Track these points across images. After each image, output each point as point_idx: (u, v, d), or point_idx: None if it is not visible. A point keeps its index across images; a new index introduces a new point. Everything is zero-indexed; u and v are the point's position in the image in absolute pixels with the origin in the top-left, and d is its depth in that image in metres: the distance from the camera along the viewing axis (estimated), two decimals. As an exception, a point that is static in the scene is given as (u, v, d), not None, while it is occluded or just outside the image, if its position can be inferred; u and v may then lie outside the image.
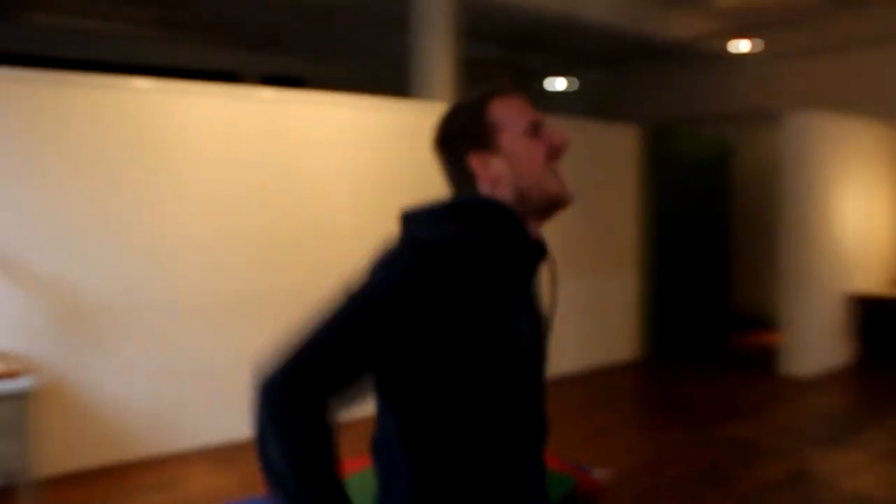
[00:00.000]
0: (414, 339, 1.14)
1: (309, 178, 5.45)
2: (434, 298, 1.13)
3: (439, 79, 6.71)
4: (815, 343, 6.98)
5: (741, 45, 8.57)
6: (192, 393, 4.97)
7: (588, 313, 7.37)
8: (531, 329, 1.32)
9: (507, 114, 1.30)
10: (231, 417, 4.94)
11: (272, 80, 8.67)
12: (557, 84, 10.56)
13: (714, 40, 8.94)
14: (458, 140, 1.31)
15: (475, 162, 1.29)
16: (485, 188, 1.29)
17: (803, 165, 6.83)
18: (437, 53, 6.72)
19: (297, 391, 1.07)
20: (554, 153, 1.32)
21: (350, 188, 5.67)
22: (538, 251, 1.33)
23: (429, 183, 6.11)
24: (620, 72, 10.92)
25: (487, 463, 1.21)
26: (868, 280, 7.66)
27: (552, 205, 1.32)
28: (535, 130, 1.31)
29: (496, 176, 1.29)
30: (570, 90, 11.01)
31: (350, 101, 5.71)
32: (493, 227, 1.26)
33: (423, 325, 1.13)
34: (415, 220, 1.30)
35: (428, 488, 1.20)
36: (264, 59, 9.62)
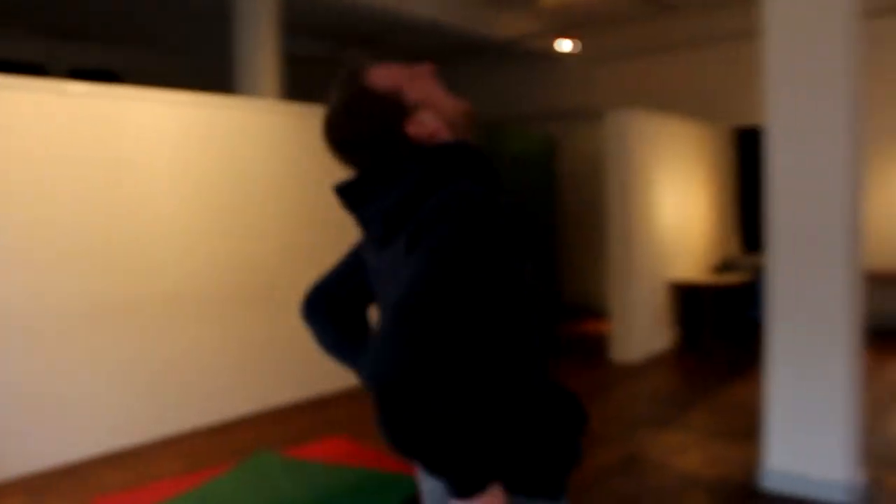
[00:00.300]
0: (490, 283, 1.21)
1: (125, 179, 5.06)
2: (498, 243, 1.20)
3: (264, 74, 6.46)
4: (640, 330, 7.31)
5: (565, 45, 8.86)
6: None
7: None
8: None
9: (391, 74, 1.40)
10: (43, 443, 4.50)
11: (83, 73, 8.05)
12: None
13: (539, 40, 9.19)
14: (383, 125, 1.35)
15: (412, 129, 1.35)
16: (433, 145, 1.35)
17: (624, 160, 7.12)
18: (261, 48, 6.46)
19: (425, 382, 1.10)
20: (435, 78, 1.43)
21: (171, 187, 5.32)
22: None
23: (253, 180, 5.89)
24: (449, 69, 11.00)
25: (527, 370, 1.33)
26: (687, 268, 8.12)
27: (470, 121, 1.43)
28: (413, 71, 1.41)
29: (433, 127, 1.36)
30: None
31: (169, 97, 5.36)
32: (482, 167, 1.35)
33: (496, 267, 1.21)
34: (415, 177, 1.30)
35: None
36: (74, 50, 8.91)
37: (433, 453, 1.13)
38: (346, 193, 1.39)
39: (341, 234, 6.45)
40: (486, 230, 1.18)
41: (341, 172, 6.65)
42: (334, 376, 6.43)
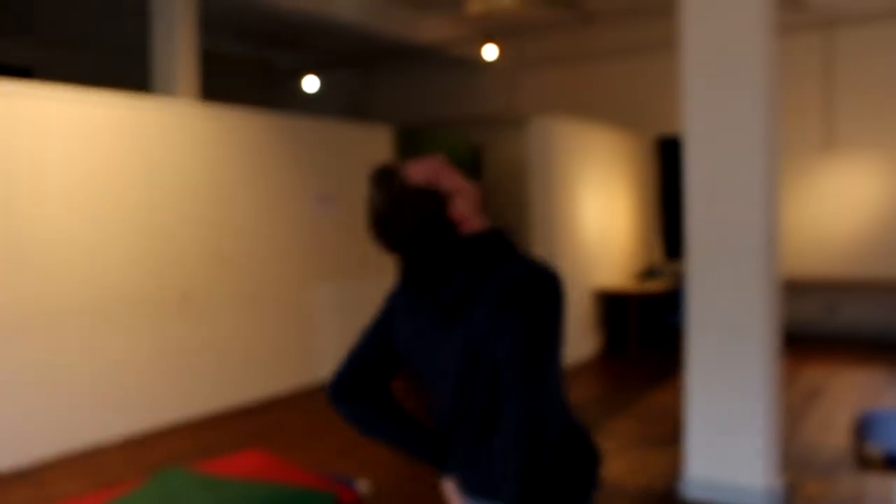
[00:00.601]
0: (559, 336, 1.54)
1: (36, 181, 4.78)
2: (562, 306, 1.54)
3: (181, 73, 6.22)
4: (567, 337, 7.30)
5: (489, 52, 8.84)
6: None
7: (348, 316, 7.20)
8: None
9: (424, 168, 1.61)
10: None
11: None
12: (309, 83, 10.30)
13: (464, 46, 9.15)
14: (431, 214, 1.57)
15: (453, 214, 1.59)
16: (467, 227, 1.60)
17: (548, 167, 7.13)
18: (178, 46, 6.22)
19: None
20: (451, 166, 1.66)
21: (85, 190, 5.06)
22: None
23: (166, 181, 5.66)
24: (373, 72, 10.90)
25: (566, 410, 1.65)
26: (611, 275, 8.19)
27: (483, 200, 1.67)
28: (437, 163, 1.63)
29: (466, 210, 1.61)
30: (322, 90, 10.80)
31: (81, 95, 5.10)
32: (512, 245, 1.63)
33: (561, 324, 1.54)
34: (483, 254, 1.58)
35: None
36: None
37: (538, 482, 1.43)
38: (416, 283, 1.61)
39: (256, 240, 6.28)
40: (559, 297, 1.52)
41: (261, 178, 6.53)
42: (252, 385, 6.24)
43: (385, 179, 1.59)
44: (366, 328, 1.78)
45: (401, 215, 1.56)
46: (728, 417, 3.90)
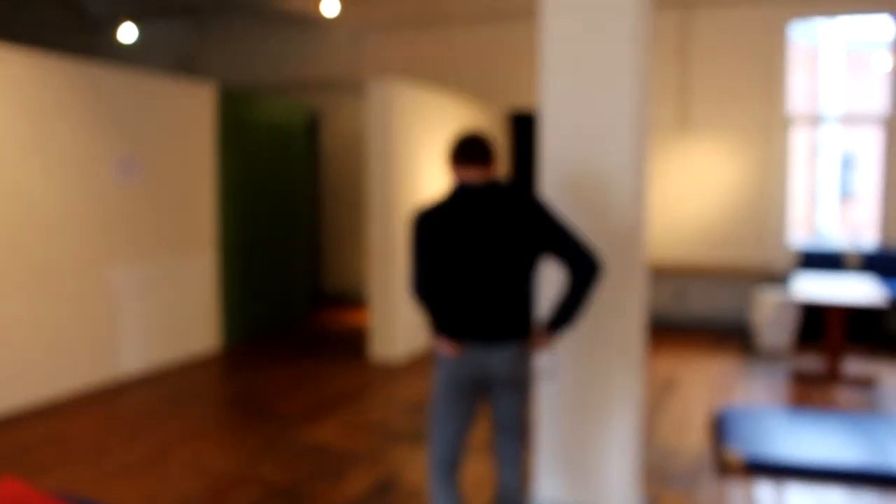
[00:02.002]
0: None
1: None
2: None
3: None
4: (403, 324, 6.64)
5: (330, 9, 7.98)
6: None
7: (156, 301, 6.21)
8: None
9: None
10: None
11: None
12: (125, 33, 9.06)
13: (301, 1, 8.27)
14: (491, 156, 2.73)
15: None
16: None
17: (388, 136, 6.41)
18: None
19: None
20: None
21: None
22: None
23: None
24: (203, 26, 9.77)
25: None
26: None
27: None
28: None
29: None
30: (147, 43, 9.56)
31: None
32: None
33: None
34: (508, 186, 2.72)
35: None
36: None
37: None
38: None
39: (45, 212, 5.21)
40: (413, 229, 2.75)
41: (52, 138, 5.32)
42: (35, 384, 5.16)
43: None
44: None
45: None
46: (585, 425, 3.34)
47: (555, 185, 3.29)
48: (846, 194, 14.32)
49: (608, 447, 3.32)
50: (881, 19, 7.67)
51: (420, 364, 6.41)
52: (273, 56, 9.40)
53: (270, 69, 9.36)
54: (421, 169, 6.87)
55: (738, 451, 4.18)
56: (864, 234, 12.09)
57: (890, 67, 7.61)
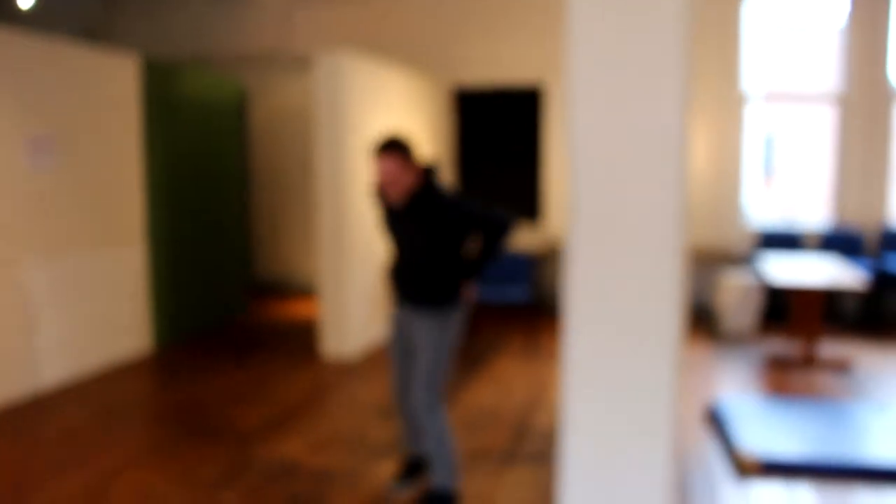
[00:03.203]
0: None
1: None
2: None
3: None
4: (356, 317, 6.12)
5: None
6: None
7: (78, 302, 5.49)
8: (389, 225, 3.40)
9: (373, 165, 3.27)
10: None
11: None
12: None
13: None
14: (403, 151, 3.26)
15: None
16: None
17: (338, 114, 5.84)
18: None
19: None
20: (383, 184, 3.28)
21: None
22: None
23: None
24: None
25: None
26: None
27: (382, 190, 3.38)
28: (376, 175, 3.27)
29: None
30: (51, 9, 8.59)
31: None
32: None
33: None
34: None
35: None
36: None
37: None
38: None
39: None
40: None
41: None
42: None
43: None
44: None
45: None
46: (619, 436, 2.93)
47: (588, 159, 2.84)
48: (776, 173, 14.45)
49: (646, 454, 2.92)
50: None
51: (376, 360, 5.90)
52: (193, 27, 8.63)
53: (190, 41, 8.58)
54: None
55: (753, 453, 3.87)
56: (799, 212, 12.18)
57: (842, 46, 7.49)
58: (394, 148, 3.16)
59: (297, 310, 7.78)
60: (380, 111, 6.44)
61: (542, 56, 7.82)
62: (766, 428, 4.26)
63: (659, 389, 2.90)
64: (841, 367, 5.79)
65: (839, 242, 7.34)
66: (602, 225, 2.87)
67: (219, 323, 7.11)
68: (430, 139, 7.66)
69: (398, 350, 3.45)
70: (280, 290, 8.72)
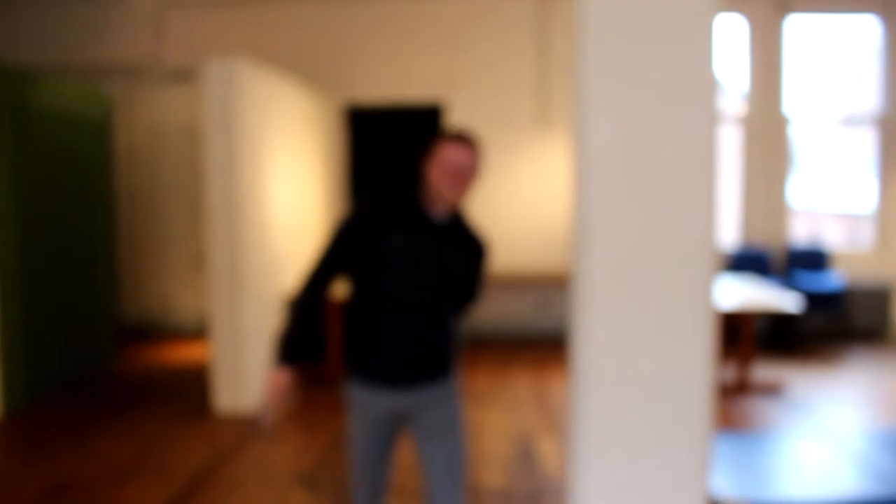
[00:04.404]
0: (344, 245, 2.42)
1: None
2: (349, 224, 2.43)
3: None
4: (255, 364, 5.32)
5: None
6: None
7: None
8: (411, 248, 2.39)
9: (445, 152, 2.40)
10: None
11: None
12: None
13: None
14: (426, 153, 2.46)
15: (424, 163, 2.45)
16: (425, 181, 2.45)
17: (233, 130, 5.08)
18: None
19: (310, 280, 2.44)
20: (451, 182, 2.39)
21: None
22: (444, 221, 2.46)
23: None
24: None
25: (363, 313, 2.42)
26: (298, 277, 6.32)
27: (440, 196, 2.39)
28: (449, 166, 2.38)
29: (425, 175, 2.44)
30: None
31: None
32: (397, 195, 2.47)
33: (346, 237, 2.41)
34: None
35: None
36: None
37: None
38: None
39: None
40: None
41: None
42: None
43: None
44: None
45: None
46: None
47: (607, 179, 2.31)
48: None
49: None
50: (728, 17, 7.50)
51: (283, 413, 5.12)
52: (51, 31, 7.54)
53: (48, 46, 7.48)
54: (268, 177, 5.59)
55: (742, 500, 3.45)
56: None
57: (746, 70, 7.46)
58: (475, 142, 2.47)
59: (179, 356, 6.82)
60: (275, 126, 5.71)
61: (442, 73, 7.35)
62: (736, 468, 3.88)
63: (696, 459, 2.41)
64: (774, 391, 5.58)
65: (747, 262, 7.24)
66: (628, 274, 2.36)
67: (85, 377, 6.05)
68: (320, 159, 6.96)
69: (376, 452, 2.49)
70: (157, 334, 7.69)
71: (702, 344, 2.38)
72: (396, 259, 2.36)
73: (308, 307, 2.39)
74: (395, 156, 7.53)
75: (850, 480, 3.80)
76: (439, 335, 2.43)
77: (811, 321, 7.27)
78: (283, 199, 5.89)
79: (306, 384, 5.84)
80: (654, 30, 2.30)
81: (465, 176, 2.38)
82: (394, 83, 7.39)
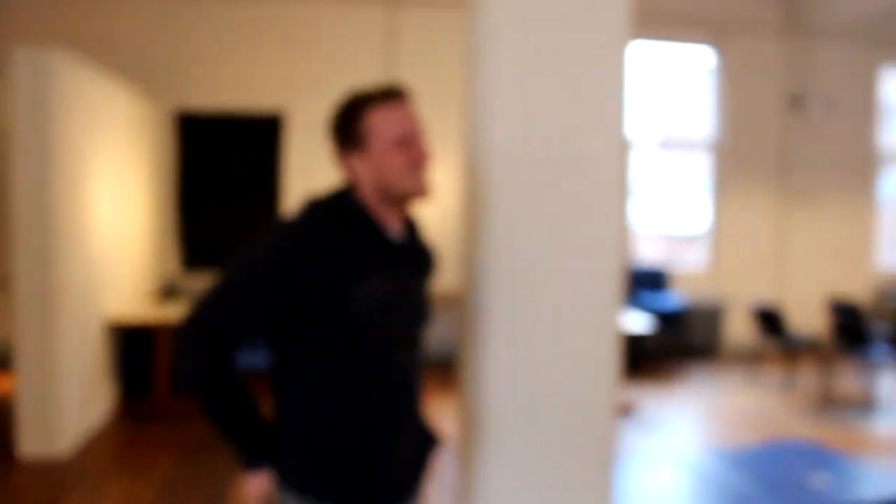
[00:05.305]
0: (281, 294, 1.52)
1: None
2: (291, 265, 1.51)
3: None
4: (69, 399, 4.62)
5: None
6: None
7: None
8: (391, 291, 1.61)
9: (381, 124, 1.59)
10: None
11: None
12: None
13: None
14: (341, 140, 1.64)
15: (352, 163, 1.63)
16: (358, 186, 1.64)
17: (46, 130, 4.41)
18: None
19: (209, 336, 1.52)
20: (416, 163, 1.62)
21: None
22: (403, 238, 1.70)
23: None
24: None
25: (335, 396, 1.58)
26: (124, 298, 5.64)
27: (408, 197, 1.64)
28: (402, 142, 1.60)
29: (365, 178, 1.62)
30: None
31: None
32: (343, 216, 1.60)
33: (286, 283, 1.51)
34: (303, 206, 1.63)
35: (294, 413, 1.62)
36: None
37: None
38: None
39: None
40: None
41: None
42: None
43: None
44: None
45: (333, 114, 1.70)
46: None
47: (509, 185, 2.06)
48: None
49: None
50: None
51: (101, 459, 4.47)
52: None
53: None
54: (93, 176, 4.93)
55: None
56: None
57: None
58: (408, 93, 1.69)
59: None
60: (97, 128, 5.05)
61: (283, 80, 6.90)
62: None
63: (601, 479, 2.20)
64: (625, 412, 5.57)
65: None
66: (522, 286, 2.13)
67: None
68: (148, 167, 6.30)
69: None
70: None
71: (607, 367, 2.18)
72: (374, 314, 1.58)
73: (230, 393, 1.57)
74: (230, 166, 6.97)
75: (710, 503, 3.76)
76: (421, 396, 1.76)
77: (653, 340, 7.40)
78: (106, 210, 5.22)
79: (129, 420, 5.18)
80: (560, 55, 2.11)
81: (424, 149, 1.66)
82: (230, 89, 6.85)
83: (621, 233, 2.18)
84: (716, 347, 7.63)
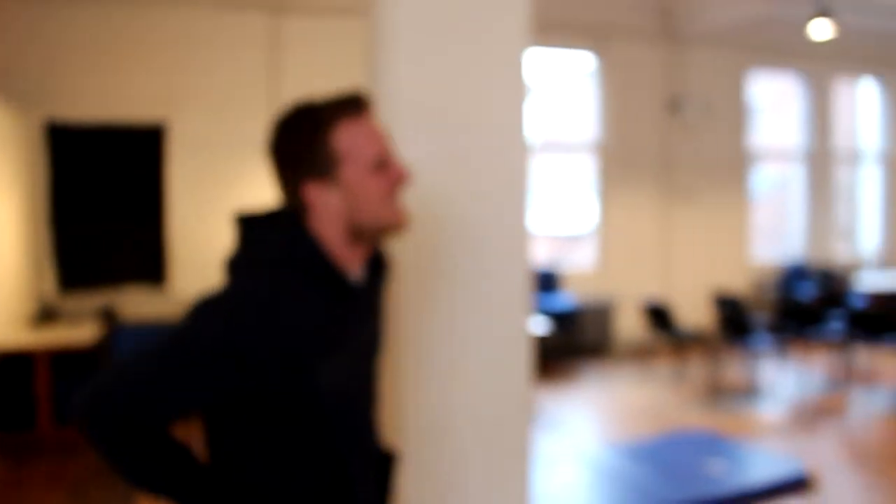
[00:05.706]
0: (227, 382, 1.19)
1: None
2: (246, 348, 1.18)
3: None
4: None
5: None
6: None
7: None
8: (348, 371, 1.32)
9: (355, 143, 1.27)
10: None
11: None
12: None
13: None
14: (295, 163, 1.28)
15: (311, 192, 1.28)
16: (314, 220, 1.29)
17: None
18: None
19: (125, 425, 1.18)
20: (395, 188, 1.30)
21: None
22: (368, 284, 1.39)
23: None
24: None
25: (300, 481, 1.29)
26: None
27: (386, 231, 1.32)
28: (380, 165, 1.29)
29: (330, 212, 1.28)
30: None
31: None
32: (299, 268, 1.26)
33: (235, 370, 1.18)
34: (239, 266, 1.29)
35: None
36: None
37: None
38: None
39: None
40: None
41: None
42: None
43: None
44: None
45: (278, 134, 1.39)
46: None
47: (414, 194, 2.01)
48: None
49: None
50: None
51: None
52: None
53: None
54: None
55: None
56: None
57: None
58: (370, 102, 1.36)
59: None
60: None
61: (163, 90, 6.63)
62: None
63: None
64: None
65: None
66: (431, 293, 2.09)
67: None
68: (16, 185, 5.92)
69: None
70: None
71: (520, 372, 2.16)
72: (336, 397, 1.30)
73: (175, 471, 1.24)
74: (108, 181, 6.64)
75: (615, 498, 3.82)
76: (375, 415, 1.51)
77: (548, 340, 7.53)
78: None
79: (6, 456, 4.83)
80: (463, 60, 2.09)
81: (401, 167, 1.33)
82: (107, 100, 6.52)
83: (527, 236, 2.18)
84: (608, 345, 7.83)
